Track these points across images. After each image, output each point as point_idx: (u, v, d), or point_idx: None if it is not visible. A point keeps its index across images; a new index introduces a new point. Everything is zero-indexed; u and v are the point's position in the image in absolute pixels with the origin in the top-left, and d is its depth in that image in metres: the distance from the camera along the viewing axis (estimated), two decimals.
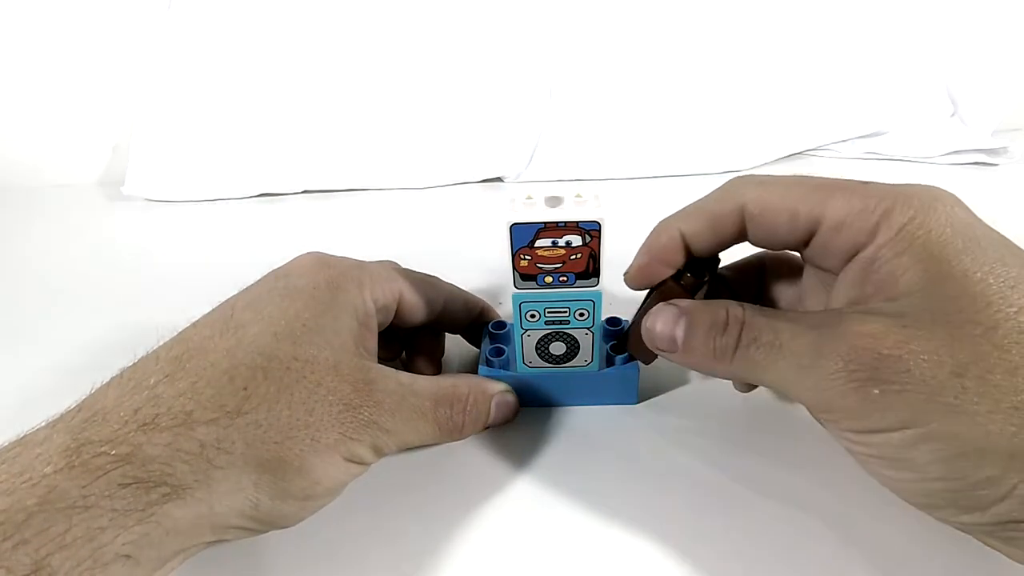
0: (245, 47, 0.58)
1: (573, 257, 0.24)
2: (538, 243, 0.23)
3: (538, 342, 0.27)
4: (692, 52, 0.61)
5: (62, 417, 0.19)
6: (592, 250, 0.23)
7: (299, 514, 0.21)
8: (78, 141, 0.63)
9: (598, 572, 0.23)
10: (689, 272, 0.24)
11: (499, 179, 0.60)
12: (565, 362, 0.28)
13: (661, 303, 0.22)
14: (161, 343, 0.22)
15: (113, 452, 0.17)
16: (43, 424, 0.18)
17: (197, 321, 0.22)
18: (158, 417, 0.18)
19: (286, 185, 0.58)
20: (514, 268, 0.24)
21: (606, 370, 0.28)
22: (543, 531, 0.24)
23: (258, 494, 0.19)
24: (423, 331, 0.31)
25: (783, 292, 0.26)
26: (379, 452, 0.22)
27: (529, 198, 0.23)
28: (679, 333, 0.21)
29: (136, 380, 0.19)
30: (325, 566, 0.23)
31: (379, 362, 0.30)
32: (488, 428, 0.28)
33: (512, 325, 0.27)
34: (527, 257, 0.24)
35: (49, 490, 0.16)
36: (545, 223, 0.23)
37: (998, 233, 0.19)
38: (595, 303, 0.25)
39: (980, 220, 0.19)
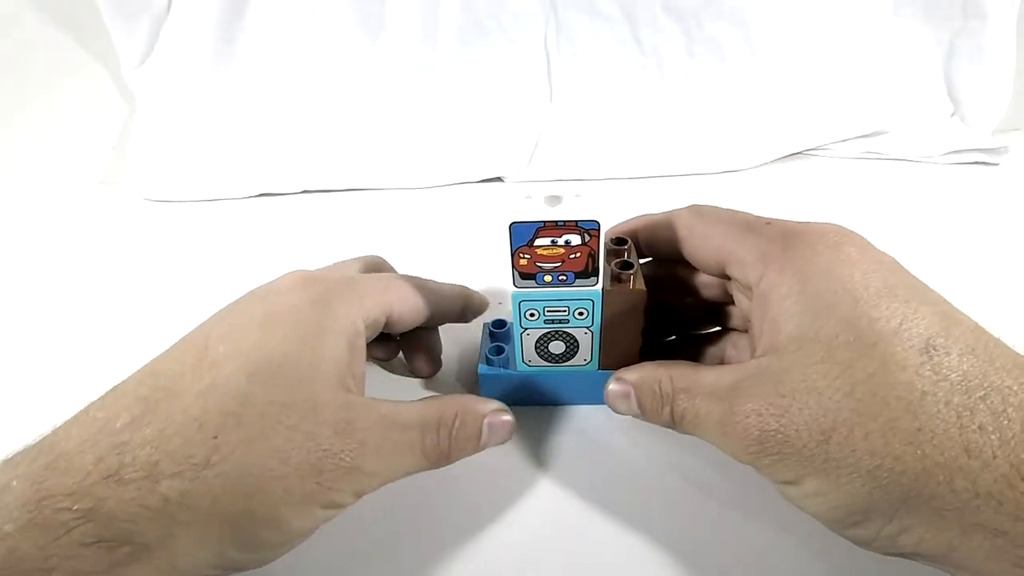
0: (245, 47, 0.58)
1: (572, 256, 0.24)
2: (537, 242, 0.23)
3: (537, 341, 0.27)
4: (691, 51, 0.61)
5: (22, 459, 0.17)
6: (591, 249, 0.23)
7: (269, 559, 0.20)
8: (78, 141, 0.63)
9: (597, 571, 0.23)
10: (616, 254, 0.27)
11: (499, 179, 0.60)
12: (564, 361, 0.28)
13: (613, 378, 0.24)
14: (130, 375, 0.20)
15: (76, 507, 0.16)
16: (1, 463, 0.17)
17: (169, 351, 0.21)
18: (122, 469, 0.17)
19: (286, 185, 0.58)
20: (513, 267, 0.24)
21: (606, 369, 0.28)
22: (542, 530, 0.24)
23: (223, 547, 0.18)
24: (418, 329, 0.30)
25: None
26: (359, 495, 0.21)
27: (529, 197, 0.23)
28: (635, 408, 0.24)
29: (101, 422, 0.18)
30: (319, 565, 0.23)
31: (375, 362, 0.30)
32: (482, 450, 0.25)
33: (512, 324, 0.27)
34: (526, 256, 0.24)
35: (10, 551, 0.15)
36: (544, 222, 0.23)
37: (887, 268, 0.20)
38: (595, 302, 0.25)
39: (868, 256, 0.20)
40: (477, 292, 0.31)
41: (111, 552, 0.16)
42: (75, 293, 0.43)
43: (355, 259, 0.29)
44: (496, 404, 0.25)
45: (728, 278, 0.25)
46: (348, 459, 0.19)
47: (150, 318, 0.38)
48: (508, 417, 0.25)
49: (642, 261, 0.27)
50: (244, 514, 0.18)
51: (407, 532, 0.24)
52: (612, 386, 0.25)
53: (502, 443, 0.25)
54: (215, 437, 0.18)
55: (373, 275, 0.27)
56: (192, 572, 0.18)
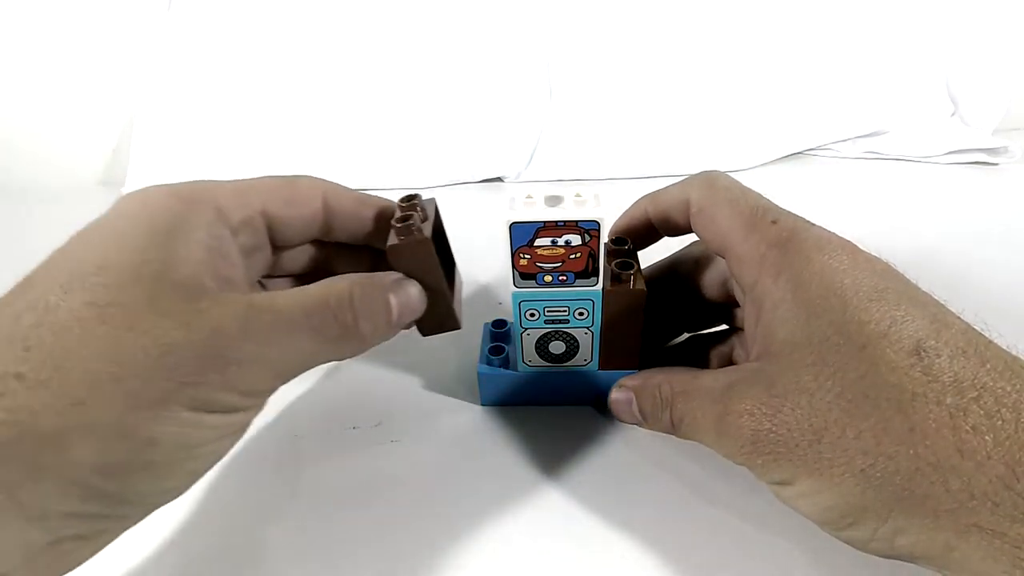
0: (245, 47, 0.58)
1: (572, 256, 0.24)
2: (537, 242, 0.23)
3: (538, 341, 0.27)
4: (692, 52, 0.61)
5: None
6: (591, 249, 0.23)
7: (161, 484, 0.18)
8: (78, 141, 0.64)
9: (596, 571, 0.23)
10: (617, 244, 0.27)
11: (499, 179, 0.60)
12: (565, 361, 0.28)
13: (615, 386, 0.25)
14: None
15: None
16: None
17: None
18: None
19: None
20: (514, 267, 0.24)
21: (606, 369, 0.28)
22: (541, 530, 0.24)
23: (73, 470, 0.16)
24: (343, 255, 0.27)
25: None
26: (247, 392, 0.18)
27: (529, 197, 0.23)
28: (637, 414, 0.24)
29: None
30: (319, 565, 0.23)
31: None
32: (399, 331, 0.23)
33: (512, 324, 0.27)
34: (527, 256, 0.24)
35: None
36: (545, 222, 0.23)
37: (878, 272, 0.20)
38: (595, 302, 0.25)
39: (860, 261, 0.20)
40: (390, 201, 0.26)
41: None
42: None
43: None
44: (395, 275, 0.23)
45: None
46: (203, 348, 0.17)
47: None
48: (413, 287, 0.23)
49: (644, 262, 0.27)
50: (80, 427, 0.15)
51: (404, 532, 0.24)
52: (615, 394, 0.25)
53: (417, 316, 0.23)
54: (26, 350, 0.16)
55: (239, 178, 0.23)
56: (43, 505, 0.16)
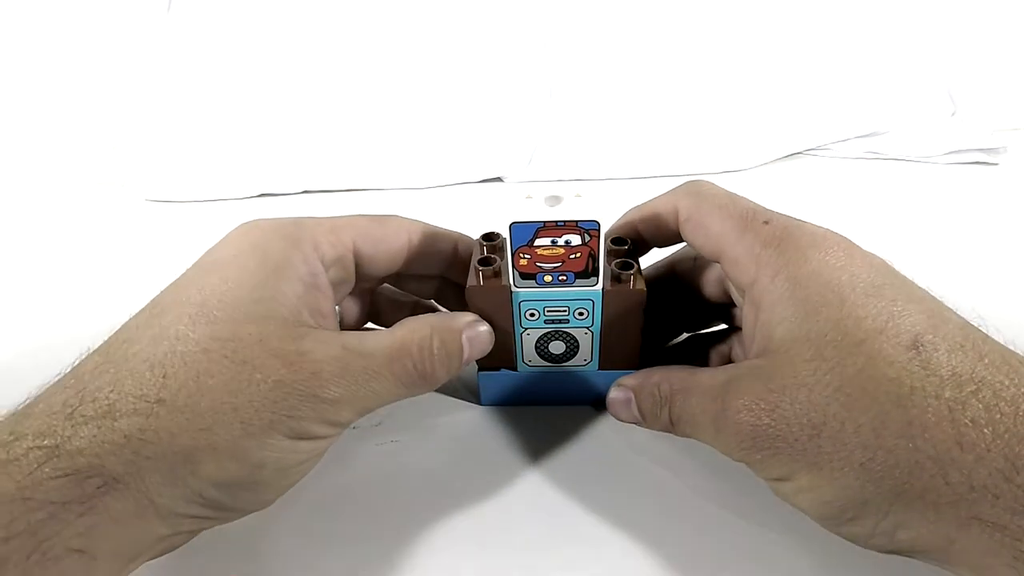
0: (245, 47, 0.58)
1: (572, 256, 0.24)
2: (537, 242, 0.23)
3: (538, 341, 0.27)
4: (692, 52, 0.61)
5: (8, 416, 0.19)
6: (591, 249, 0.23)
7: (257, 498, 0.20)
8: (78, 141, 0.63)
9: (595, 571, 0.23)
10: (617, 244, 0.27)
11: (499, 179, 0.60)
12: (565, 361, 0.28)
13: (614, 385, 0.25)
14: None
15: (44, 444, 0.17)
16: None
17: (135, 313, 0.22)
18: (82, 407, 0.18)
19: (286, 185, 0.58)
20: (513, 267, 0.24)
21: (606, 369, 0.28)
22: (541, 530, 0.24)
23: (198, 483, 0.18)
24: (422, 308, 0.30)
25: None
26: (334, 424, 0.21)
27: (529, 197, 0.23)
28: (637, 414, 0.24)
29: (69, 376, 0.19)
30: (319, 565, 0.23)
31: (360, 326, 0.29)
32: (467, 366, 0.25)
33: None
34: (526, 256, 0.24)
35: None
36: (544, 222, 0.23)
37: (875, 269, 0.20)
38: (595, 302, 0.25)
39: (856, 258, 0.21)
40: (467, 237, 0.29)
41: (81, 484, 0.17)
42: (75, 293, 0.43)
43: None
44: (470, 316, 0.25)
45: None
46: (303, 387, 0.20)
47: None
48: (484, 327, 0.25)
49: (642, 259, 0.27)
50: (207, 448, 0.18)
51: (403, 532, 0.24)
52: (613, 393, 0.25)
53: (484, 353, 0.25)
54: (164, 376, 0.19)
55: (335, 216, 0.26)
56: (172, 507, 0.18)
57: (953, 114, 0.65)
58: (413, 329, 0.23)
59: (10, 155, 0.64)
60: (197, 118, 0.58)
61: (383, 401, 0.22)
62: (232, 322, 0.20)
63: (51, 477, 0.17)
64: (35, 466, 0.17)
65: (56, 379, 0.20)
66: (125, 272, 0.46)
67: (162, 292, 0.22)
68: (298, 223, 0.24)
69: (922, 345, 0.18)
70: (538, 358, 0.28)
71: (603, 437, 0.28)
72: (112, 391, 0.18)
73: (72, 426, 0.17)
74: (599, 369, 0.28)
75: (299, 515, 0.25)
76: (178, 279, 0.22)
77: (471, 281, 0.25)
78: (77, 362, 0.20)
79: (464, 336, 0.24)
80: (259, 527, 0.24)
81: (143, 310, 0.21)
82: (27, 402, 0.19)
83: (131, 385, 0.18)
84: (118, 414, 0.18)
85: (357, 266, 0.26)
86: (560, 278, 0.24)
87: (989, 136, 0.60)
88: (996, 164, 0.59)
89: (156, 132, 0.58)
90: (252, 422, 0.19)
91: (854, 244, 0.21)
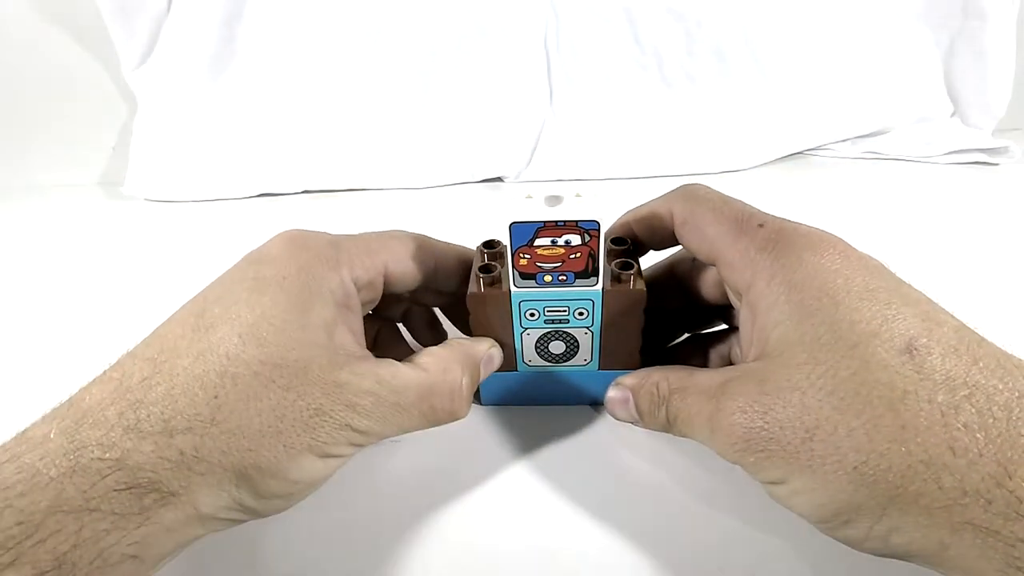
0: (245, 48, 0.58)
1: (572, 256, 0.24)
2: (537, 242, 0.23)
3: (537, 341, 0.27)
4: (692, 51, 0.61)
5: (55, 415, 0.19)
6: (591, 249, 0.23)
7: (286, 505, 0.22)
8: (78, 141, 0.64)
9: (594, 572, 0.23)
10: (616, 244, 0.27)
11: (499, 179, 0.60)
12: (564, 361, 0.28)
13: (613, 384, 0.25)
14: (140, 341, 0.22)
15: (107, 456, 0.18)
16: (38, 421, 0.19)
17: (171, 316, 0.22)
18: (140, 423, 0.18)
19: (286, 185, 0.58)
20: (513, 267, 0.24)
21: (606, 369, 0.28)
22: (540, 529, 0.25)
23: (239, 495, 0.20)
24: (419, 305, 0.31)
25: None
26: (358, 445, 0.22)
27: (529, 197, 0.23)
28: (634, 413, 0.24)
29: (116, 381, 0.20)
30: (318, 565, 0.23)
31: (378, 336, 0.30)
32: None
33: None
34: (526, 256, 0.24)
35: (58, 493, 0.17)
36: (544, 222, 0.23)
37: (870, 272, 0.20)
38: (594, 302, 0.25)
39: (851, 260, 0.21)
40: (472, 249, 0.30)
41: (141, 498, 0.18)
42: (75, 293, 0.43)
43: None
44: (486, 343, 0.26)
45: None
46: (339, 418, 0.21)
47: (150, 318, 0.38)
48: (497, 350, 0.27)
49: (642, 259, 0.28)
50: (253, 467, 0.19)
51: (403, 532, 0.24)
52: (611, 392, 0.25)
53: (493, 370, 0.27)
54: (216, 397, 0.19)
55: (365, 235, 0.27)
56: (213, 515, 0.20)
57: (953, 114, 0.65)
58: (445, 370, 0.24)
59: (10, 155, 0.64)
60: (197, 117, 0.58)
61: (406, 431, 0.23)
62: (280, 347, 0.21)
63: (115, 490, 0.17)
64: (99, 478, 0.17)
65: (98, 382, 0.20)
66: (125, 272, 0.46)
67: (205, 300, 0.22)
68: (337, 245, 0.25)
69: (916, 349, 0.18)
70: (538, 358, 0.28)
71: (602, 438, 0.28)
72: (166, 408, 0.19)
73: (131, 440, 0.18)
74: (599, 369, 0.28)
75: (299, 515, 0.25)
76: (220, 291, 0.23)
77: (472, 288, 0.25)
78: (114, 366, 0.21)
79: (481, 364, 0.26)
80: (259, 527, 0.24)
81: (186, 318, 0.22)
82: (70, 404, 0.19)
83: (184, 403, 0.19)
84: (174, 431, 0.19)
85: (384, 285, 0.27)
86: (560, 278, 0.24)
87: (989, 136, 0.60)
88: (996, 164, 0.59)
89: (156, 132, 0.58)
90: (293, 445, 0.20)
91: (849, 245, 0.21)
